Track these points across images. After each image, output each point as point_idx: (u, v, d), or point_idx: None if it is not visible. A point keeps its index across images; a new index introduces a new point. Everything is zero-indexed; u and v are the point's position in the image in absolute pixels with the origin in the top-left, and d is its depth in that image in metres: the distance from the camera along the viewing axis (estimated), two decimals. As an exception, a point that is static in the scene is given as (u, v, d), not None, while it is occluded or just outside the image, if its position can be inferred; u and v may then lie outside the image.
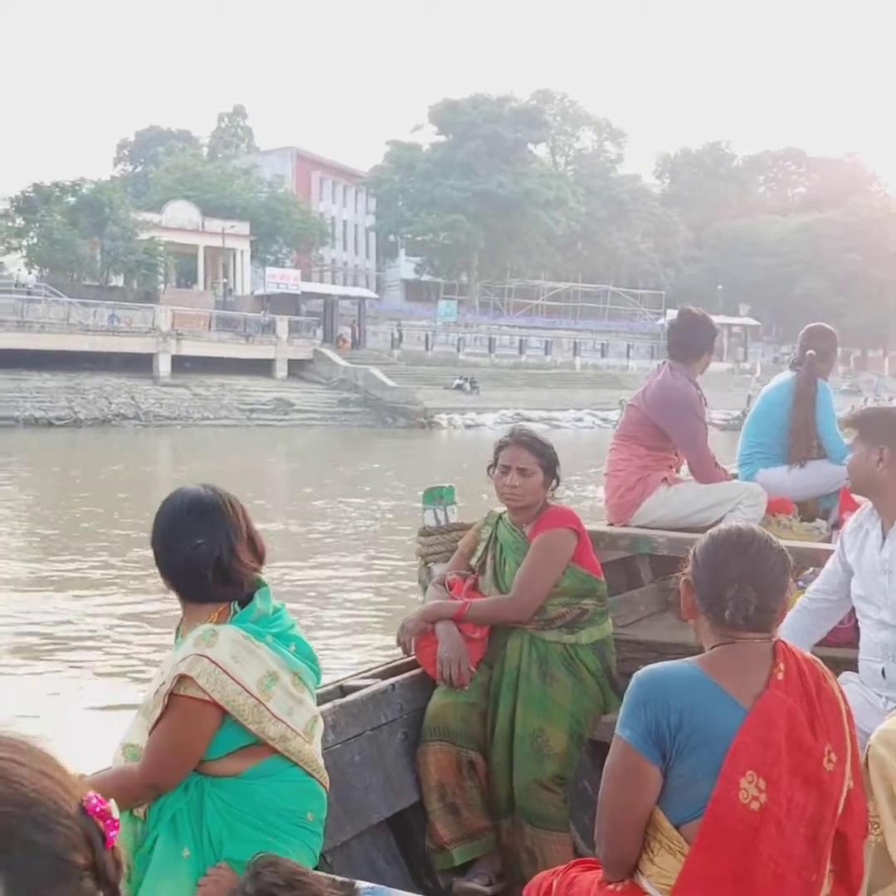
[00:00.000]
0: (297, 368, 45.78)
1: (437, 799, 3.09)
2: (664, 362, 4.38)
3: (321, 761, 2.23)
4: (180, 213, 55.44)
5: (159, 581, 2.23)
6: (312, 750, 2.19)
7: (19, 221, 46.59)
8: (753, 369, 59.56)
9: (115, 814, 0.79)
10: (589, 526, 3.53)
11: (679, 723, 1.82)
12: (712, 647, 1.96)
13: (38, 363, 37.41)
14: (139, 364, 41.04)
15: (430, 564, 3.61)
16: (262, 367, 45.02)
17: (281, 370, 45.21)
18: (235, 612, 2.17)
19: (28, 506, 17.58)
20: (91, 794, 0.77)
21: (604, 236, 73.38)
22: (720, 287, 70.24)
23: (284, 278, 48.51)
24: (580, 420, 44.77)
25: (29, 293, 42.21)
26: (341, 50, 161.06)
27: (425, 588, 3.53)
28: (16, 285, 42.97)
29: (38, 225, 45.37)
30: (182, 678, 2.03)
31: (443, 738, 3.13)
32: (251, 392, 41.88)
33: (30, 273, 45.60)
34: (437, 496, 3.68)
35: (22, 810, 0.73)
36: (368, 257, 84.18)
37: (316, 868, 2.06)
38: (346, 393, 43.43)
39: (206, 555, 2.12)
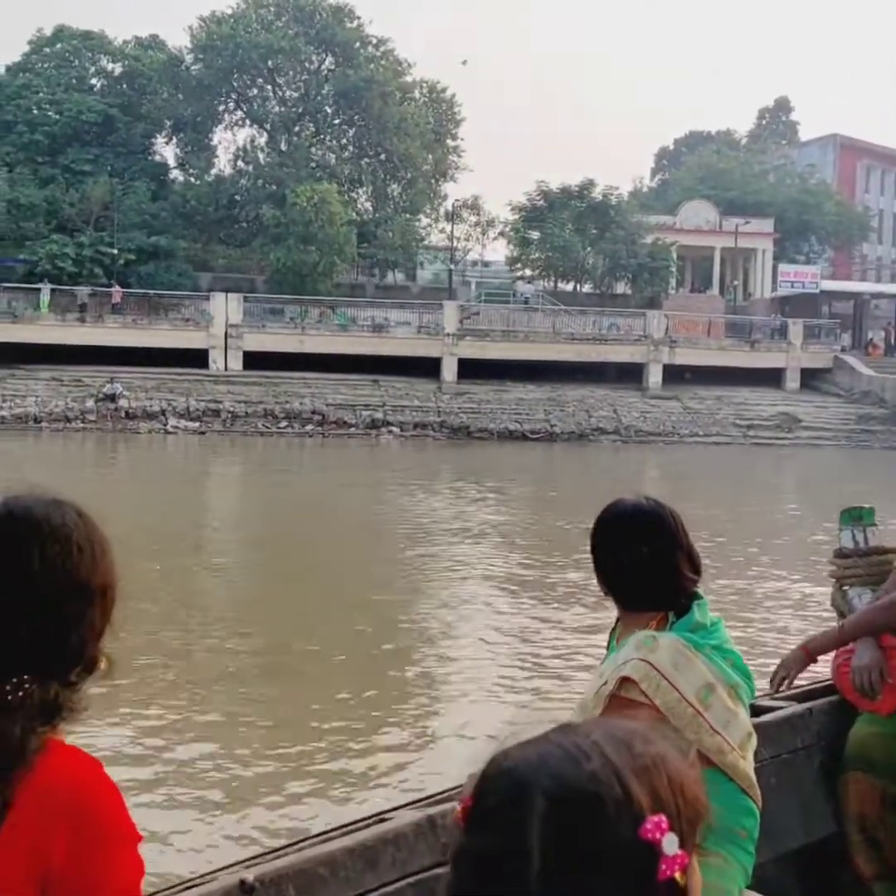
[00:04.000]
0: (811, 379, 39.87)
1: (857, 831, 2.94)
2: None
3: (755, 778, 2.11)
4: (696, 213, 51.70)
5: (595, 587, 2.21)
6: (747, 766, 2.09)
7: (534, 234, 46.29)
8: None
9: (672, 850, 0.75)
10: None
11: None
12: None
13: (526, 374, 36.32)
14: (633, 375, 38.34)
15: (845, 588, 3.34)
16: (770, 378, 39.85)
17: (792, 380, 39.62)
18: (672, 621, 2.13)
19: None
20: (656, 819, 0.75)
21: None
22: None
23: (800, 276, 42.69)
24: None
25: (527, 302, 41.59)
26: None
27: (840, 611, 3.31)
28: (513, 295, 42.53)
29: (543, 232, 44.76)
30: (624, 680, 2.02)
31: (865, 769, 2.94)
32: (752, 406, 37.01)
33: (531, 282, 44.92)
34: (855, 516, 3.39)
35: (571, 796, 0.75)
36: (924, 252, 73.69)
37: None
38: (868, 407, 36.67)
39: (648, 563, 2.10)
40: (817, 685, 3.23)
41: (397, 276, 49.70)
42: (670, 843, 0.75)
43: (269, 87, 44.43)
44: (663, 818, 0.75)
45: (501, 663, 7.95)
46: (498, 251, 52.58)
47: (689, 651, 2.07)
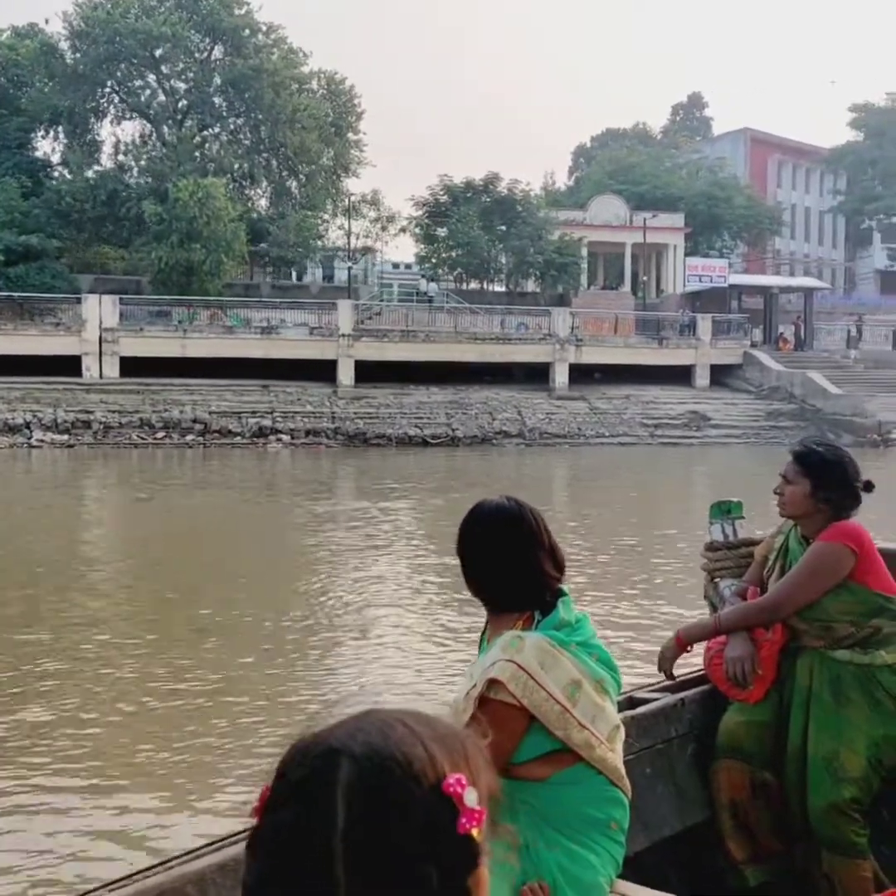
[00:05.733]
0: (721, 375, 38.88)
1: (729, 817, 3.05)
2: None
3: (623, 770, 2.17)
4: (605, 208, 50.50)
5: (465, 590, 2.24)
6: (615, 759, 2.15)
7: (441, 231, 44.64)
8: None
9: (472, 803, 0.79)
10: (886, 544, 3.38)
11: None
12: None
13: (431, 377, 34.65)
14: (542, 376, 36.90)
15: (716, 580, 3.47)
16: (681, 375, 38.77)
17: (702, 377, 38.58)
18: (538, 620, 2.16)
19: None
20: (457, 776, 0.79)
21: None
22: None
23: (708, 270, 41.67)
24: None
25: (431, 301, 39.94)
26: (808, 17, 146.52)
27: (711, 604, 3.46)
28: (417, 294, 40.85)
29: (447, 228, 43.21)
30: (492, 682, 2.03)
31: (736, 756, 3.06)
32: (660, 404, 35.84)
33: (435, 280, 43.22)
34: (724, 510, 3.51)
35: (385, 766, 0.78)
36: (835, 248, 73.91)
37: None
38: (777, 403, 35.73)
39: (511, 563, 2.13)
40: (690, 676, 3.29)
41: (314, 276, 47.79)
42: (471, 797, 0.78)
43: (154, 76, 42.04)
44: (464, 776, 0.79)
45: (414, 676, 7.59)
46: (407, 250, 51.04)
47: (554, 649, 2.07)
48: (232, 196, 38.49)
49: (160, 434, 28.67)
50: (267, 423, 29.81)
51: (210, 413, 29.61)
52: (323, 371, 33.55)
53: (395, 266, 62.32)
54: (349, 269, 41.83)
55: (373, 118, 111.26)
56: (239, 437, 29.13)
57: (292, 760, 0.80)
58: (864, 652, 3.00)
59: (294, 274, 48.87)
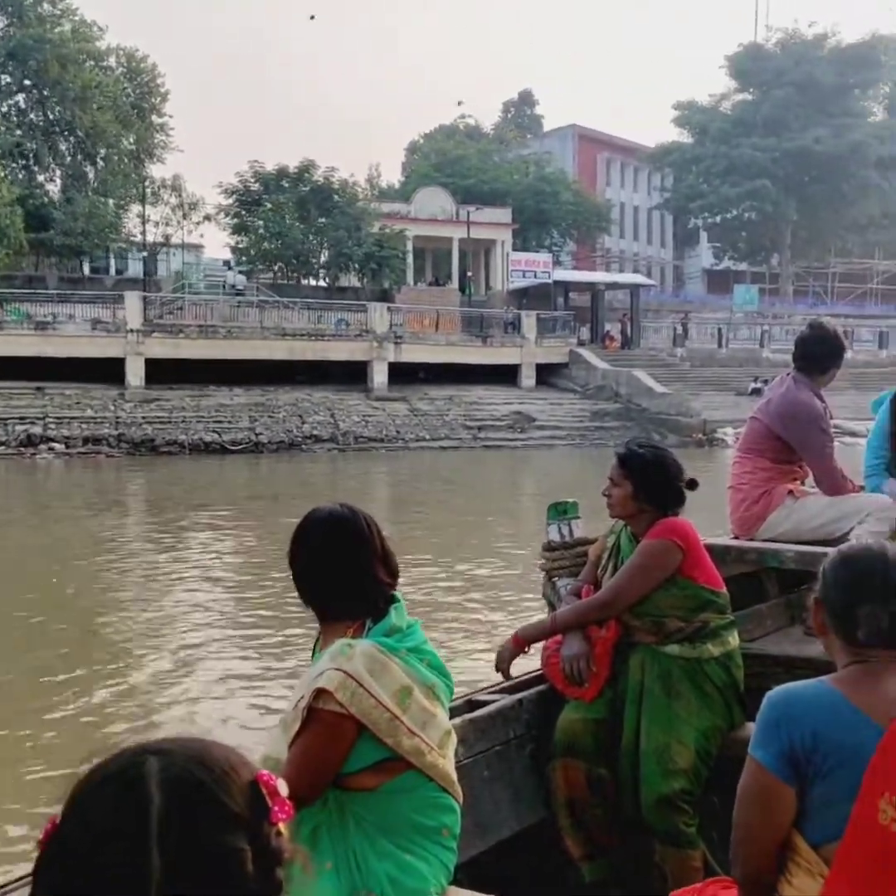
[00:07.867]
0: (548, 375, 37.31)
1: (566, 815, 3.08)
2: (788, 374, 4.28)
3: (455, 776, 2.16)
4: (431, 201, 48.43)
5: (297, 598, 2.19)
6: (447, 765, 2.13)
7: (258, 221, 41.46)
8: None
9: (285, 793, 0.84)
10: (714, 540, 3.58)
11: (814, 744, 1.80)
12: (845, 666, 1.92)
13: (238, 377, 31.60)
14: (361, 375, 34.33)
15: (554, 579, 3.57)
16: (508, 375, 37.00)
17: (528, 377, 36.91)
18: (370, 627, 2.12)
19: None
20: (266, 772, 0.85)
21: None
22: None
23: (532, 265, 40.14)
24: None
25: (239, 295, 36.83)
26: (630, 14, 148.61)
27: (550, 603, 3.51)
28: (225, 288, 37.66)
29: (259, 218, 40.22)
30: (320, 692, 1.99)
31: (572, 754, 3.08)
32: (484, 405, 33.90)
33: (251, 275, 40.06)
34: (561, 511, 3.60)
35: (200, 759, 0.81)
36: (664, 247, 74.40)
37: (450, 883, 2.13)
38: (603, 403, 34.36)
39: (342, 571, 2.09)
40: (527, 676, 3.30)
41: (136, 269, 43.74)
42: (283, 786, 0.84)
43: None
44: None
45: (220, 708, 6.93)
46: (216, 241, 47.55)
47: (384, 656, 2.03)
48: (12, 178, 34.43)
49: None
50: (37, 430, 26.21)
51: (-32, 421, 25.83)
52: (111, 372, 30.09)
53: (227, 263, 58.66)
54: (144, 259, 38.29)
55: (193, 105, 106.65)
56: (1, 447, 25.44)
57: (94, 773, 0.77)
58: (692, 646, 3.02)
59: (112, 267, 44.81)
